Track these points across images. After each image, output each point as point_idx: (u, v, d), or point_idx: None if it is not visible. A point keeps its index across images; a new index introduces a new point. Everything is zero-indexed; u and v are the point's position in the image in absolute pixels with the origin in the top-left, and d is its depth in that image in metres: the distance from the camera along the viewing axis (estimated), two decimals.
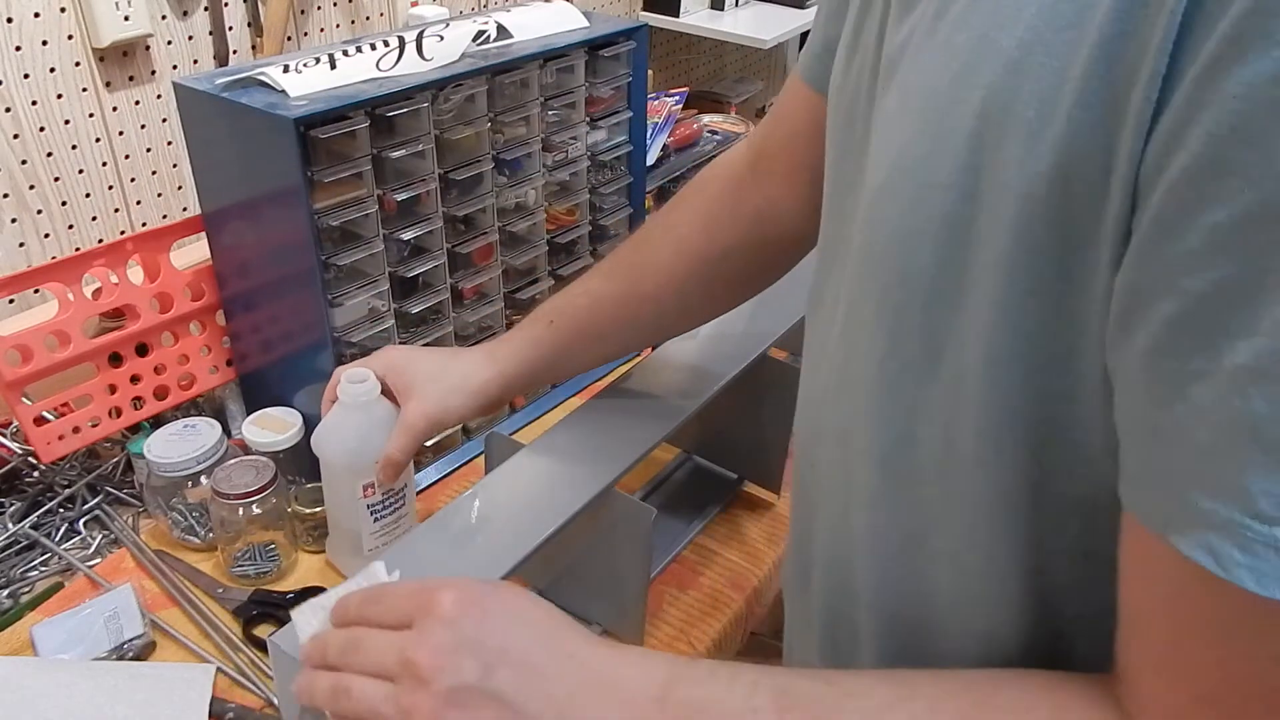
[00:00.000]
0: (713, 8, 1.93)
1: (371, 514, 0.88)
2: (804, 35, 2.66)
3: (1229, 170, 0.31)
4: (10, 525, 0.97)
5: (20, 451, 1.02)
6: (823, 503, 0.57)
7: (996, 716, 0.42)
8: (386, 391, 0.83)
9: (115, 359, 1.00)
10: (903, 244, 0.43)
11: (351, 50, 0.93)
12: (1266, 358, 0.31)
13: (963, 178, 0.40)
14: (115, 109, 1.18)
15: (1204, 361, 0.33)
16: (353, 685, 0.48)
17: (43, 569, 0.95)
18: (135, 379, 1.01)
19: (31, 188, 1.13)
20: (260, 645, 0.87)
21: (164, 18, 1.19)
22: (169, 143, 1.25)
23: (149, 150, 1.23)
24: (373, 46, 0.94)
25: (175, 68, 1.22)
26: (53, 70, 1.10)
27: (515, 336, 0.84)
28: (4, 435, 1.03)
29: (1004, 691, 0.43)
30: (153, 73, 1.20)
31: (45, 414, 0.97)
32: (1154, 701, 0.38)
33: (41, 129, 1.12)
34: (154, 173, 1.25)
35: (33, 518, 0.99)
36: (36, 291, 1.11)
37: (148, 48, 1.19)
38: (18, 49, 1.07)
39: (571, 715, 0.45)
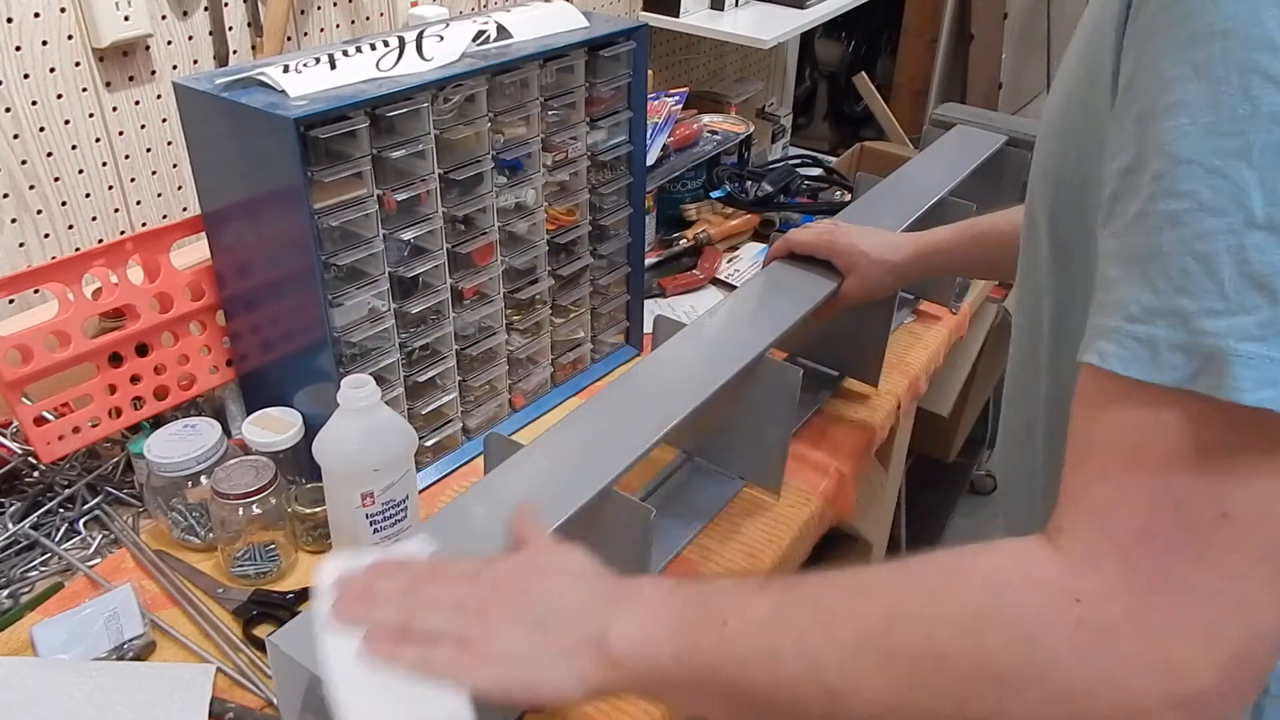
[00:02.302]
0: (713, 8, 1.93)
1: (370, 524, 0.88)
2: (804, 35, 2.66)
3: (1131, 87, 0.45)
4: (10, 525, 0.97)
5: (20, 451, 1.02)
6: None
7: (924, 587, 0.49)
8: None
9: (115, 359, 1.00)
10: (1038, 173, 0.60)
11: (351, 50, 0.93)
12: (1146, 202, 0.43)
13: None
14: (115, 109, 1.18)
15: (1117, 223, 0.45)
16: (424, 607, 0.59)
17: (43, 569, 0.95)
18: (135, 379, 1.01)
19: (31, 188, 1.13)
20: (260, 645, 0.87)
21: (164, 18, 1.19)
22: (169, 143, 1.25)
23: (149, 150, 1.23)
24: (373, 46, 0.94)
25: (175, 68, 1.22)
26: (53, 70, 1.10)
27: (944, 236, 1.05)
28: (4, 435, 1.03)
29: (960, 556, 0.50)
30: (153, 73, 1.20)
31: (45, 414, 0.97)
32: (1069, 505, 0.46)
33: (41, 129, 1.12)
34: (154, 173, 1.25)
35: (33, 518, 0.99)
36: (36, 291, 1.11)
37: (148, 48, 1.19)
38: (18, 49, 1.07)
39: (597, 619, 0.57)
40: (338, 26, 1.39)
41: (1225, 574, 0.42)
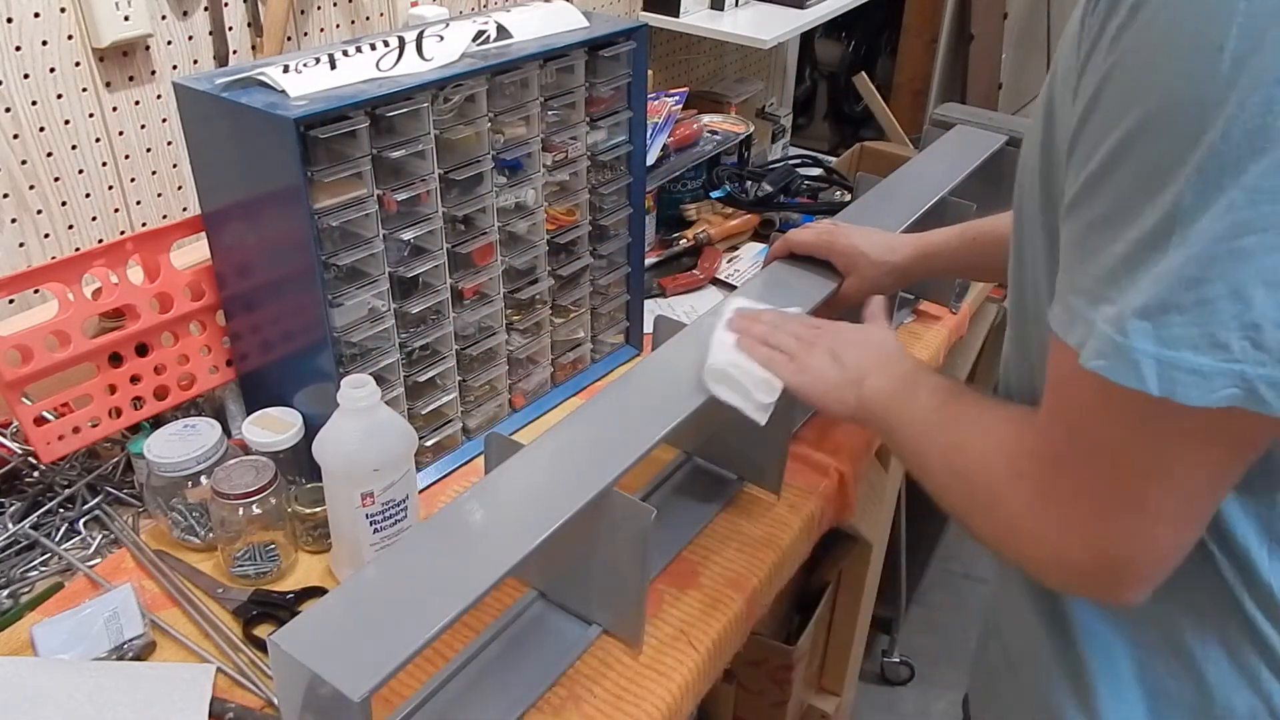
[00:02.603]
0: (713, 8, 1.93)
1: (370, 524, 0.88)
2: (804, 35, 2.66)
3: (1091, 117, 0.53)
4: (10, 525, 0.97)
5: (20, 451, 1.02)
6: None
7: (967, 430, 0.70)
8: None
9: (115, 359, 1.00)
10: (1022, 184, 0.68)
11: (351, 50, 0.93)
12: (1108, 208, 0.52)
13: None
14: (115, 109, 1.18)
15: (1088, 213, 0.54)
16: (779, 333, 0.92)
17: (43, 569, 0.95)
18: (135, 379, 1.01)
19: (31, 188, 1.13)
20: (260, 645, 0.87)
21: (164, 18, 1.19)
22: (169, 143, 1.25)
23: (149, 150, 1.23)
24: (373, 46, 0.94)
25: (175, 68, 1.22)
26: (53, 70, 1.10)
27: (943, 237, 1.10)
28: (4, 435, 1.03)
29: (980, 402, 0.73)
30: (153, 73, 1.20)
31: (45, 414, 0.97)
32: (1044, 414, 0.60)
33: (41, 129, 1.12)
34: (154, 173, 1.25)
35: (33, 518, 0.99)
36: (36, 291, 1.11)
37: (148, 48, 1.19)
38: (18, 49, 1.07)
39: (864, 370, 0.84)
40: (338, 26, 1.39)
41: (1097, 497, 0.56)
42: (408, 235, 0.97)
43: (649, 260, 1.49)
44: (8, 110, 1.08)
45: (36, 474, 1.03)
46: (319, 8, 1.35)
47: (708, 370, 0.90)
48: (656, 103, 1.53)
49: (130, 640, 0.86)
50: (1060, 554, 0.59)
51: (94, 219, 1.20)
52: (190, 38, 1.22)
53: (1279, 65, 0.45)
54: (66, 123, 1.14)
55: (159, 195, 1.26)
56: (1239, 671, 0.63)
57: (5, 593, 0.92)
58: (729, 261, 1.57)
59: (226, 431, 1.00)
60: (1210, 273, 0.47)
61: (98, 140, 1.17)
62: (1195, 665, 0.64)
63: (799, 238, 1.12)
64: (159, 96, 1.22)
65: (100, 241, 1.20)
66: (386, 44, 0.95)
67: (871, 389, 0.82)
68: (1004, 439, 0.64)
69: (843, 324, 0.93)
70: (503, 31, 1.03)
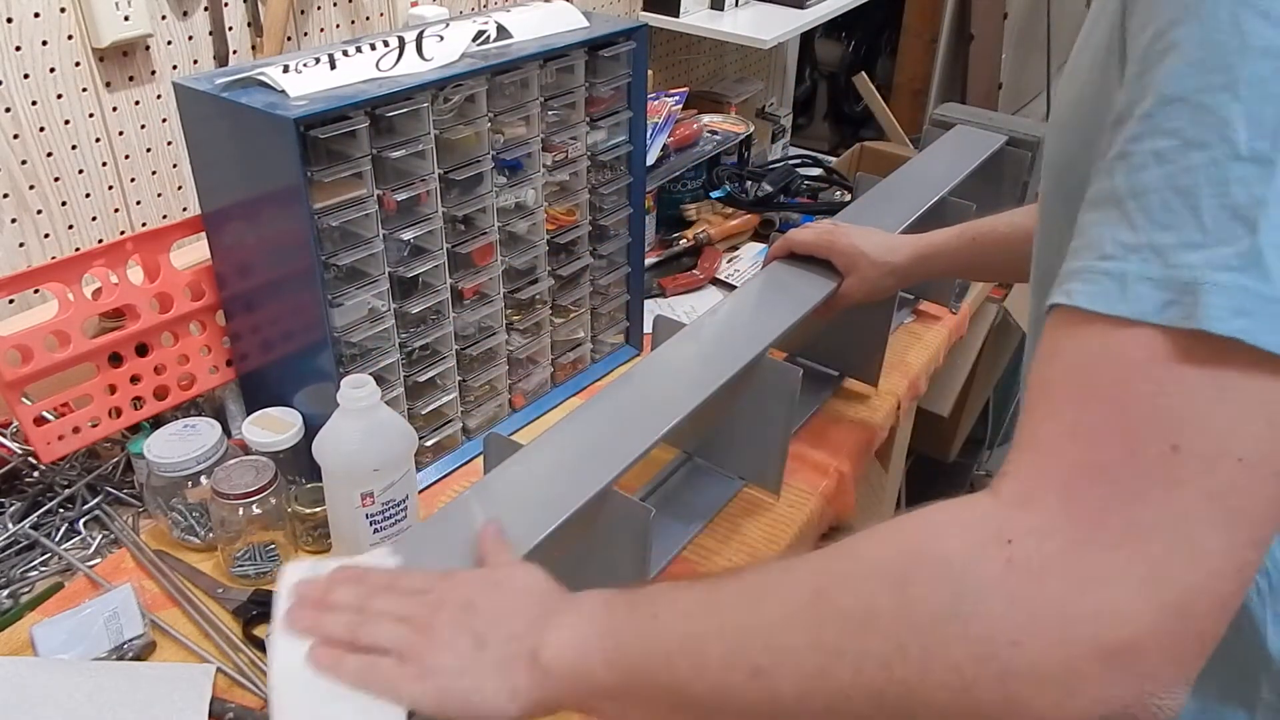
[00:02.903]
0: (713, 8, 1.93)
1: (370, 524, 0.88)
2: (804, 35, 2.66)
3: (1134, 52, 0.44)
4: (10, 525, 0.97)
5: (20, 451, 1.02)
6: None
7: (854, 549, 0.47)
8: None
9: (115, 359, 1.00)
10: (1050, 164, 0.59)
11: (351, 50, 0.93)
12: (1129, 143, 0.42)
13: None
14: (115, 109, 1.18)
15: (1099, 173, 0.44)
16: (373, 619, 0.59)
17: (43, 569, 0.95)
18: (135, 379, 1.01)
19: (31, 188, 1.13)
20: (260, 645, 0.87)
21: (164, 18, 1.19)
22: (169, 143, 1.25)
23: (149, 150, 1.23)
24: (373, 46, 0.94)
25: (175, 68, 1.22)
26: (52, 70, 1.10)
27: (943, 238, 1.06)
28: (4, 435, 1.03)
29: (895, 520, 0.47)
30: (153, 73, 1.20)
31: (45, 414, 0.97)
32: (1014, 450, 0.44)
33: (41, 129, 1.12)
34: (154, 173, 1.25)
35: (33, 518, 0.99)
36: (36, 291, 1.11)
37: (148, 48, 1.19)
38: (18, 49, 1.07)
39: (532, 632, 0.56)
40: (338, 26, 1.39)
41: (1172, 512, 0.38)
42: (408, 235, 0.97)
43: (649, 260, 1.49)
44: (8, 110, 1.08)
45: (36, 474, 1.03)
46: (319, 8, 1.35)
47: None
48: (656, 103, 1.53)
49: (130, 640, 0.86)
50: (1114, 635, 0.38)
51: (94, 219, 1.20)
52: (190, 38, 1.22)
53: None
54: (66, 123, 1.14)
55: (159, 195, 1.26)
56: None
57: (5, 593, 0.92)
58: (729, 261, 1.57)
59: (226, 431, 1.00)
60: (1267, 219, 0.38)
61: (98, 140, 1.17)
62: None
63: (799, 237, 1.11)
64: (159, 96, 1.22)
65: (100, 241, 1.20)
66: (386, 44, 0.95)
67: (562, 651, 0.55)
68: (952, 513, 0.45)
69: (460, 575, 0.63)
70: (503, 31, 1.03)
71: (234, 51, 1.27)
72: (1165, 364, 0.39)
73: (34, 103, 1.10)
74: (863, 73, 2.08)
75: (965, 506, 0.44)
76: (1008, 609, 0.40)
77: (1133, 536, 0.39)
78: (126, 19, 1.12)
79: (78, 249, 1.18)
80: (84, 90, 1.14)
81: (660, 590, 0.55)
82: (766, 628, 0.47)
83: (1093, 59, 0.52)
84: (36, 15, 1.07)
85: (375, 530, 0.89)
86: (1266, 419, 0.38)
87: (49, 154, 1.13)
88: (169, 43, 1.20)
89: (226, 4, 1.24)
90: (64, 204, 1.17)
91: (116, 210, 1.22)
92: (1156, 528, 0.39)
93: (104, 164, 1.19)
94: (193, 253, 1.10)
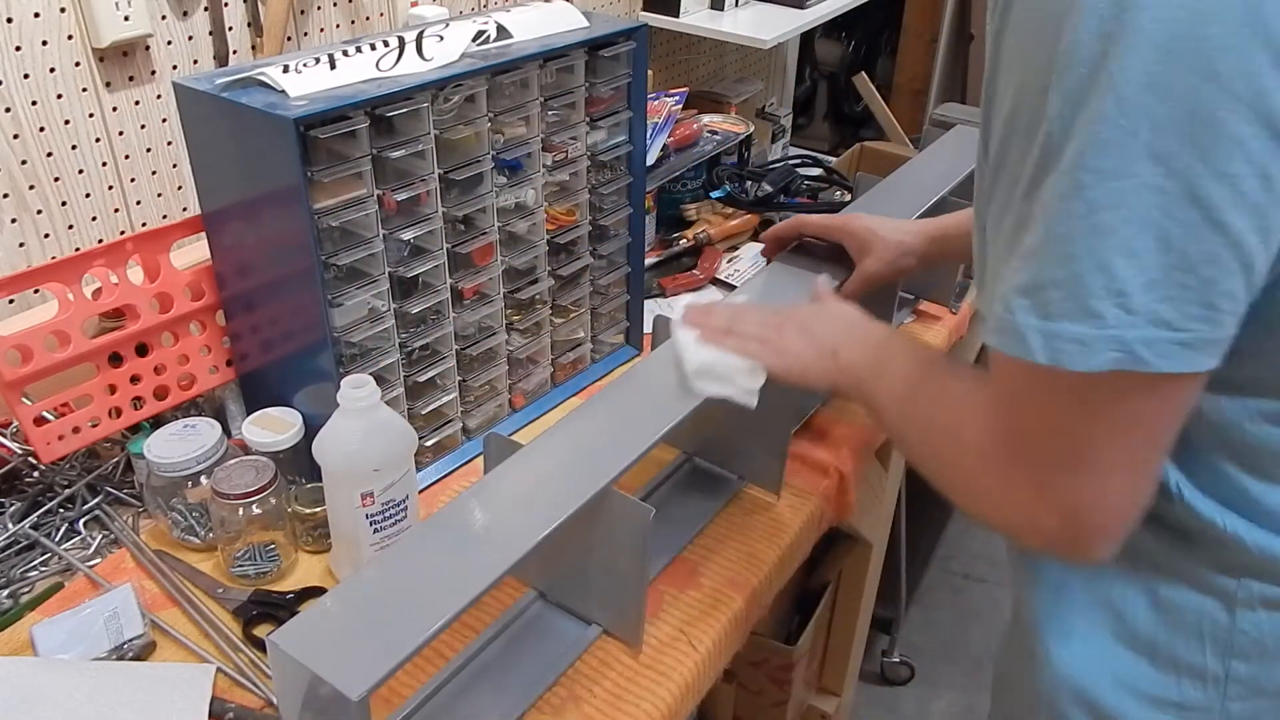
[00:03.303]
0: (713, 8, 1.93)
1: (370, 524, 0.88)
2: (804, 35, 2.66)
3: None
4: (10, 525, 0.97)
5: (20, 451, 1.02)
6: None
7: (943, 403, 0.71)
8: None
9: (115, 359, 1.00)
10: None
11: (351, 50, 0.93)
12: (1001, 195, 0.59)
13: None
14: (115, 109, 1.18)
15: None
16: (742, 321, 0.92)
17: (43, 569, 0.95)
18: (135, 379, 1.01)
19: (31, 188, 1.13)
20: (260, 645, 0.87)
21: (164, 18, 1.19)
22: (169, 143, 1.25)
23: (149, 150, 1.23)
24: (373, 46, 0.94)
25: (175, 68, 1.22)
26: (53, 70, 1.10)
27: (954, 220, 1.13)
28: (4, 435, 1.03)
29: (947, 375, 0.74)
30: (153, 73, 1.20)
31: (45, 414, 0.97)
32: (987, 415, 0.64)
33: (41, 129, 1.12)
34: (154, 173, 1.25)
35: (33, 518, 0.99)
36: (36, 291, 1.11)
37: (148, 48, 1.19)
38: (18, 49, 1.07)
39: (838, 341, 0.85)
40: (338, 26, 1.39)
41: (1051, 464, 0.59)
42: (408, 235, 0.97)
43: (649, 260, 1.49)
44: (8, 110, 1.08)
45: (36, 474, 1.03)
46: (319, 8, 1.35)
47: (691, 370, 0.90)
48: (656, 103, 1.53)
49: (130, 640, 0.86)
50: (1031, 520, 0.61)
51: (94, 219, 1.20)
52: (190, 38, 1.22)
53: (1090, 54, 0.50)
54: (66, 123, 1.14)
55: (159, 195, 1.26)
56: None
57: (5, 593, 0.92)
58: (729, 261, 1.57)
59: (226, 431, 1.00)
60: (1074, 249, 0.52)
61: (98, 140, 1.17)
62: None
63: (810, 219, 1.15)
64: (159, 96, 1.22)
65: (100, 241, 1.20)
66: (386, 44, 0.95)
67: (846, 359, 0.84)
68: (967, 416, 0.66)
69: (800, 305, 0.95)
70: (503, 31, 1.03)
71: (234, 51, 1.27)
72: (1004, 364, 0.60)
73: (34, 103, 1.10)
74: (863, 73, 2.08)
75: (973, 413, 0.65)
76: (984, 488, 0.65)
77: (1036, 481, 0.60)
78: (126, 19, 1.12)
79: (78, 249, 1.18)
80: (84, 90, 1.14)
81: (901, 350, 0.81)
82: (910, 421, 0.75)
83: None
84: (36, 15, 1.07)
85: (375, 530, 0.89)
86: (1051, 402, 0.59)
87: (49, 154, 1.13)
88: (169, 43, 1.20)
89: (226, 4, 1.24)
90: (64, 204, 1.17)
91: (116, 210, 1.22)
92: (1051, 473, 0.59)
93: (104, 164, 1.19)
94: (193, 253, 1.10)
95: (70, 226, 1.18)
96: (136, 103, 1.20)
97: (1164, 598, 0.68)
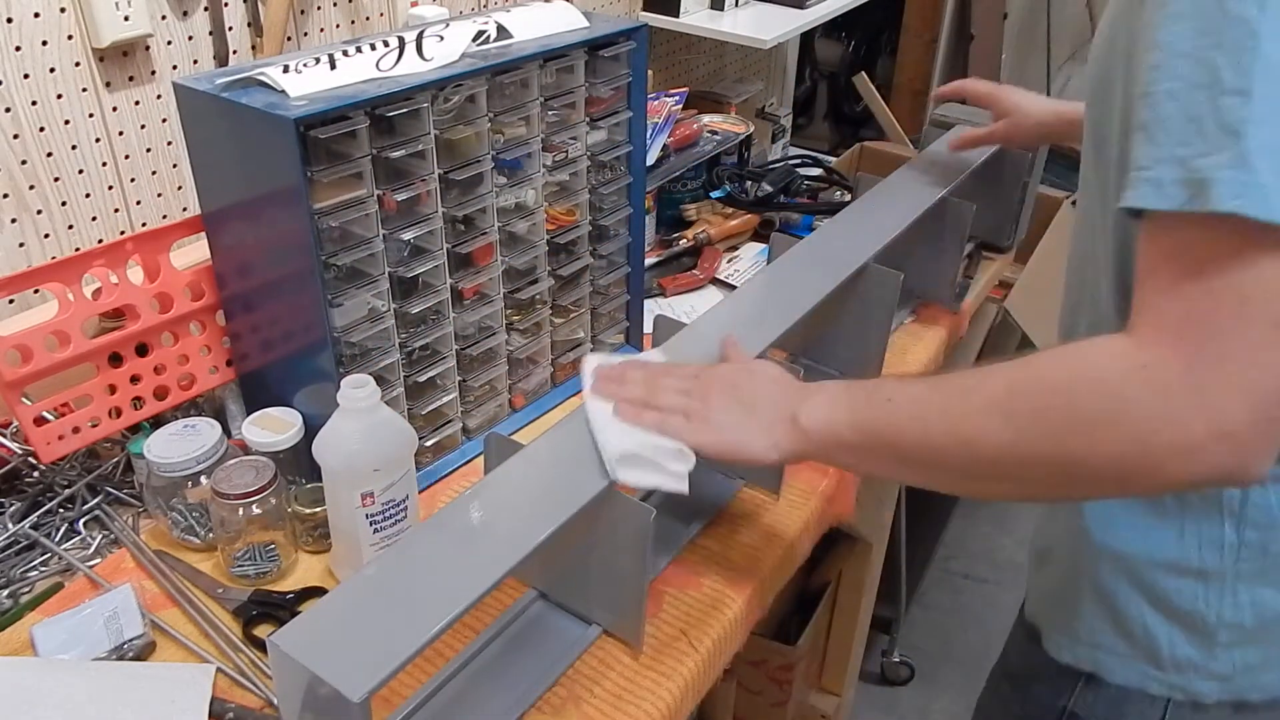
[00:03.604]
0: (713, 8, 1.93)
1: (370, 524, 0.88)
2: (804, 35, 2.66)
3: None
4: (10, 525, 0.97)
5: (20, 451, 1.02)
6: None
7: (1032, 374, 0.67)
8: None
9: (115, 359, 1.00)
10: (1086, 133, 0.78)
11: (351, 50, 0.93)
12: (1148, 85, 0.61)
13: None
14: (115, 109, 1.18)
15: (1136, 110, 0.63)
16: (661, 391, 0.83)
17: (43, 569, 0.95)
18: (135, 379, 1.01)
19: (31, 188, 1.13)
20: (260, 645, 0.87)
21: (164, 18, 1.19)
22: (169, 143, 1.25)
23: (149, 150, 1.23)
24: (373, 46, 0.94)
25: (175, 68, 1.22)
26: (52, 70, 1.10)
27: (1078, 108, 1.18)
28: (4, 435, 1.03)
29: (1058, 349, 0.68)
30: (153, 73, 1.20)
31: (45, 414, 0.97)
32: (1135, 310, 0.63)
33: (41, 129, 1.12)
34: (154, 173, 1.25)
35: (33, 518, 0.99)
36: (36, 291, 1.11)
37: (148, 48, 1.19)
38: (17, 49, 1.07)
39: (789, 403, 0.78)
40: (338, 26, 1.39)
41: (1250, 343, 0.57)
42: (408, 235, 0.97)
43: (649, 260, 1.49)
44: (8, 110, 1.08)
45: (36, 474, 1.03)
46: (319, 8, 1.35)
47: (612, 459, 0.79)
48: (656, 103, 1.53)
49: (130, 640, 0.86)
50: (1218, 425, 0.58)
51: (94, 219, 1.20)
52: (190, 38, 1.22)
53: None
54: (66, 123, 1.14)
55: (159, 195, 1.26)
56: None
57: (5, 593, 0.92)
58: (729, 261, 1.57)
59: (226, 431, 1.00)
60: None
61: (98, 140, 1.17)
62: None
63: (973, 85, 1.37)
64: (159, 96, 1.22)
65: (100, 241, 1.20)
66: (386, 44, 0.95)
67: (818, 415, 0.76)
68: (1096, 348, 0.63)
69: (718, 367, 0.87)
70: (503, 31, 1.03)
71: (234, 51, 1.27)
72: (1210, 240, 0.58)
73: (34, 103, 1.10)
74: (863, 73, 2.08)
75: (1109, 343, 0.63)
76: (1147, 409, 0.60)
77: (1226, 361, 0.57)
78: (126, 19, 1.12)
79: (78, 249, 1.18)
80: (84, 90, 1.14)
81: (887, 382, 0.77)
82: (974, 412, 0.67)
83: (1110, 45, 0.70)
84: (36, 15, 1.07)
85: (375, 530, 0.89)
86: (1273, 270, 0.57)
87: (49, 154, 1.13)
88: (169, 43, 1.20)
89: (226, 4, 1.24)
90: (64, 204, 1.17)
91: (116, 210, 1.22)
92: (1240, 354, 0.57)
93: (104, 164, 1.19)
94: (193, 253, 1.10)
95: (70, 226, 1.18)
96: (136, 103, 1.20)
97: None
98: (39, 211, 1.15)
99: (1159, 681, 0.81)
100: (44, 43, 1.09)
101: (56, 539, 0.98)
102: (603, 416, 0.83)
